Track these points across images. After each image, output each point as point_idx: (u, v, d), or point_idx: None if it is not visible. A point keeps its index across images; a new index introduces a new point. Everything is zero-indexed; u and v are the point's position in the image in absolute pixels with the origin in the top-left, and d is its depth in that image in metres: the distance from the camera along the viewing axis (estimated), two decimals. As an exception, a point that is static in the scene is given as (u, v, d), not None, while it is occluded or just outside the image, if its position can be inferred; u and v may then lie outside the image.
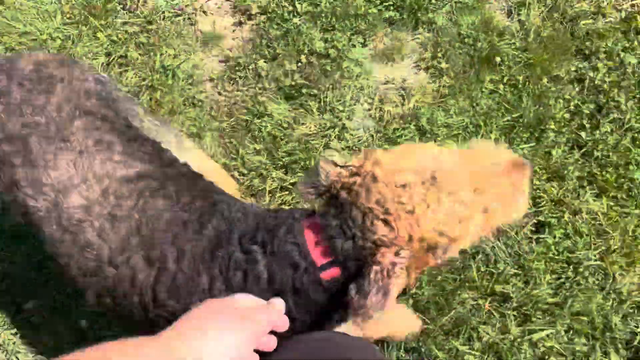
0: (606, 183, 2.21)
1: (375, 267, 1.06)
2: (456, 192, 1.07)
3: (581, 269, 2.09)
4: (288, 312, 1.13)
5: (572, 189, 2.23)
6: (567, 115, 2.35)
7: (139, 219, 1.32)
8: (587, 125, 2.32)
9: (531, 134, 2.33)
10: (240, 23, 2.71)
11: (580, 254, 2.11)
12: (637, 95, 2.35)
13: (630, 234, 2.13)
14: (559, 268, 2.12)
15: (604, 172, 2.22)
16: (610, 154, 2.24)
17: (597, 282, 2.09)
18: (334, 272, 1.14)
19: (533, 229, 2.21)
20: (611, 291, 2.07)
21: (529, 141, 2.32)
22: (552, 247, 2.14)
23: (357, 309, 1.07)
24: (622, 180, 2.21)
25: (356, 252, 1.11)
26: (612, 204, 2.20)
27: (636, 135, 2.28)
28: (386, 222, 1.06)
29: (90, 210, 1.31)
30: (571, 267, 2.11)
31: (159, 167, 1.44)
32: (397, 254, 1.06)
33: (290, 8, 2.66)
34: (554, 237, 2.16)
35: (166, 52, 2.60)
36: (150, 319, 1.31)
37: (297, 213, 1.25)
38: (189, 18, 2.69)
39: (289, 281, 1.16)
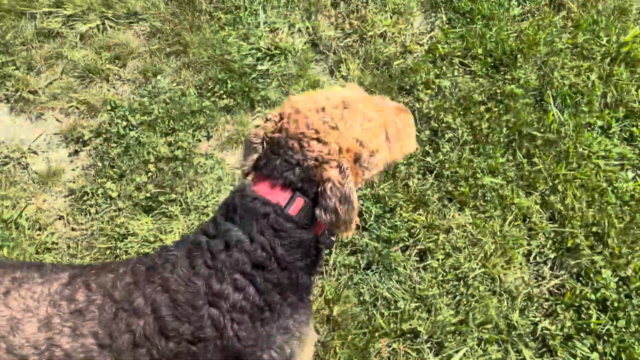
0: (463, 196, 2.38)
1: (328, 184, 1.24)
2: (364, 112, 1.32)
3: (470, 281, 2.19)
4: (283, 257, 1.27)
5: (437, 210, 2.37)
6: (410, 147, 2.52)
7: (102, 295, 1.28)
8: (430, 150, 2.51)
9: (386, 173, 2.46)
10: (76, 152, 2.60)
11: (464, 267, 2.22)
12: (461, 112, 2.60)
13: (498, 234, 2.29)
14: (452, 287, 2.20)
15: (458, 187, 2.40)
16: (457, 169, 2.43)
17: (487, 288, 2.20)
18: (298, 204, 1.28)
19: (417, 258, 2.29)
20: (502, 292, 2.19)
21: (386, 179, 2.44)
22: (439, 269, 2.23)
23: (332, 225, 1.26)
24: (476, 189, 2.40)
25: (306, 173, 1.27)
26: (474, 212, 2.36)
27: (472, 146, 2.51)
28: (318, 140, 1.26)
29: (51, 324, 1.25)
30: (461, 282, 2.21)
31: (85, 266, 1.42)
32: (338, 166, 1.26)
33: (124, 123, 2.61)
34: (437, 259, 2.25)
35: (2, 204, 2.40)
36: None
37: (238, 186, 1.35)
38: (19, 163, 2.54)
39: (267, 228, 1.26)
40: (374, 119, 1.34)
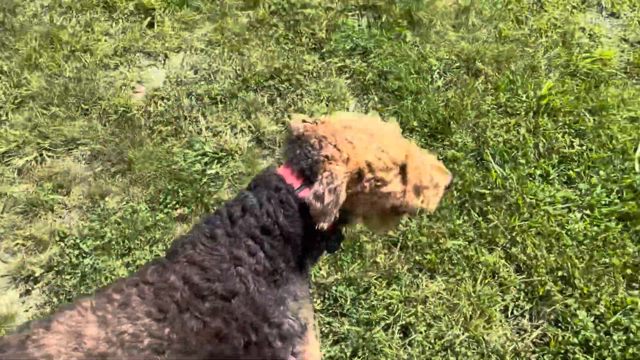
0: (431, 263, 2.41)
1: (325, 172, 1.39)
2: (383, 144, 1.48)
3: (457, 348, 2.18)
4: (285, 226, 1.42)
5: (410, 282, 2.38)
6: (371, 225, 2.57)
7: (135, 286, 1.38)
8: (390, 225, 2.56)
9: (352, 253, 2.47)
10: (27, 292, 2.45)
11: (448, 335, 2.21)
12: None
13: (473, 295, 2.32)
14: (441, 358, 2.17)
15: (424, 256, 2.43)
16: (420, 238, 2.48)
17: (475, 352, 2.19)
18: (306, 192, 1.43)
19: (400, 335, 2.26)
20: (490, 353, 2.18)
21: (354, 260, 2.44)
22: (424, 342, 2.21)
23: (316, 212, 1.37)
24: (442, 254, 2.44)
25: (315, 165, 1.44)
26: (445, 278, 2.39)
27: (429, 215, 2.58)
28: (334, 146, 1.44)
29: (107, 321, 1.31)
30: (449, 351, 2.19)
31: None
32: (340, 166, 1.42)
33: (76, 252, 2.51)
34: (420, 332, 2.23)
35: (-50, 364, 2.19)
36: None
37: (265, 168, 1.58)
38: (-35, 314, 2.35)
39: (275, 199, 1.44)
40: (390, 154, 1.49)
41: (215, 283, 1.37)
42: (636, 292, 2.32)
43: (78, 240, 2.54)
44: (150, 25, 3.53)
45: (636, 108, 2.94)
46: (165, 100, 3.13)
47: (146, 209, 2.69)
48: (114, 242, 2.54)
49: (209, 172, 2.80)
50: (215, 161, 2.85)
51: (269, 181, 1.47)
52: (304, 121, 1.55)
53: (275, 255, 1.43)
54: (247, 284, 1.38)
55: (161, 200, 2.72)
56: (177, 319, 1.33)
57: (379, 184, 1.48)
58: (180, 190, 2.71)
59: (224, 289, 1.37)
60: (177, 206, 2.70)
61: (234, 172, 2.81)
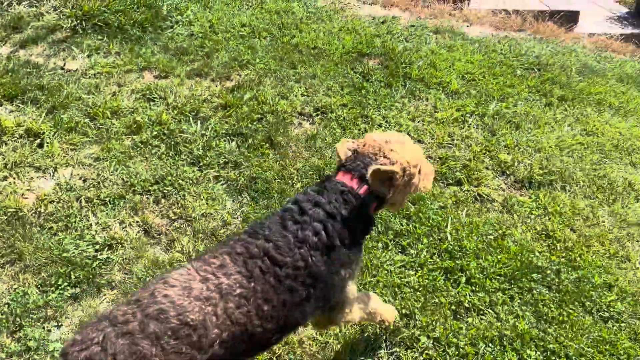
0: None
1: (378, 161, 2.11)
2: (412, 148, 2.21)
3: (331, 372, 2.59)
4: (346, 216, 2.03)
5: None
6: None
7: (228, 254, 1.93)
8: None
9: None
10: None
11: (323, 363, 2.62)
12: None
13: (340, 335, 2.80)
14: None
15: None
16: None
17: (346, 374, 2.61)
18: (365, 189, 2.10)
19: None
20: (357, 373, 2.62)
21: None
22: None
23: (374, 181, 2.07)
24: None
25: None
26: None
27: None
28: (384, 156, 2.11)
29: (208, 278, 1.83)
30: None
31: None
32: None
33: (-35, 329, 2.56)
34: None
35: None
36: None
37: (324, 176, 2.27)
38: None
39: (340, 199, 2.06)
40: (416, 155, 2.23)
41: (287, 258, 1.91)
42: (459, 320, 2.99)
43: (-35, 321, 2.59)
44: (40, 146, 3.91)
45: (443, 200, 3.93)
46: (55, 203, 3.42)
47: (37, 293, 2.85)
48: (4, 319, 2.63)
49: (100, 257, 3.08)
50: (106, 248, 3.15)
51: (335, 188, 2.09)
52: (348, 142, 2.25)
53: (334, 236, 2.01)
54: (307, 261, 1.94)
55: (52, 283, 2.90)
56: (261, 278, 1.86)
57: (412, 174, 2.17)
58: (72, 273, 2.94)
59: (292, 263, 1.91)
60: (68, 287, 2.89)
61: (125, 257, 3.12)
